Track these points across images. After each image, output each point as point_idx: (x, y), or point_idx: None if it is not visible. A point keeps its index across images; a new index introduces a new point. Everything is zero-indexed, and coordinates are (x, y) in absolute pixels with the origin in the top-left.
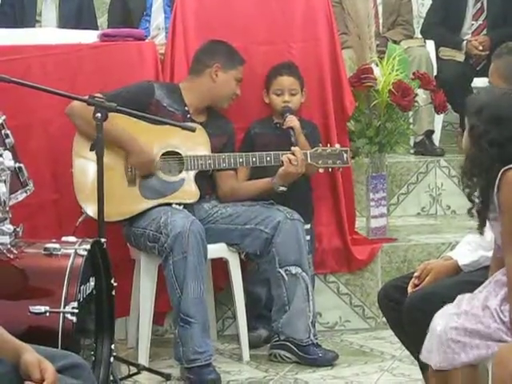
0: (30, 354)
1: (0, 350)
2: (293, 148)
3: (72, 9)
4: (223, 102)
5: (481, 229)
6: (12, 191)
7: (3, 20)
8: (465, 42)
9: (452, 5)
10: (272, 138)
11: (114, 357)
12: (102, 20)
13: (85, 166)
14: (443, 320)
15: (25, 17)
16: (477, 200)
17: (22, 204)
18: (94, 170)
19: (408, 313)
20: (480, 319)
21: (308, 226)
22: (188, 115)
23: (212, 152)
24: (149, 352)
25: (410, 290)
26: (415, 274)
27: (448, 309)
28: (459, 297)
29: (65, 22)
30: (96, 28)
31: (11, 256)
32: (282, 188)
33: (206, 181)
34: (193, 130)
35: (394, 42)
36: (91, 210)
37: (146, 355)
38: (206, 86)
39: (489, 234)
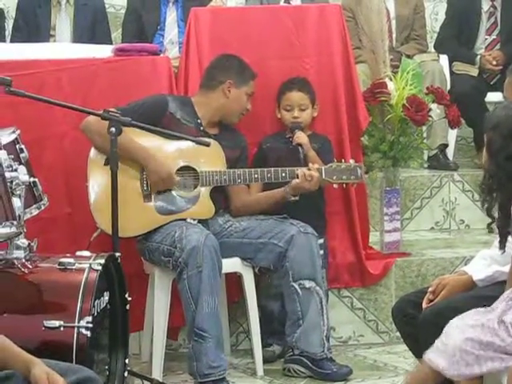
0: (39, 368)
1: (11, 364)
2: (310, 165)
3: (86, 23)
4: (234, 117)
5: (502, 244)
6: (27, 206)
7: (18, 35)
8: (478, 56)
9: (465, 19)
10: (284, 153)
11: (128, 371)
12: (116, 34)
13: (100, 180)
14: (459, 330)
15: (39, 31)
16: (496, 215)
17: (37, 218)
18: (109, 185)
19: (422, 328)
20: (496, 332)
21: (321, 241)
22: (201, 127)
23: (226, 164)
24: (163, 366)
25: (424, 304)
26: (430, 289)
27: (465, 319)
28: (475, 310)
29: (79, 37)
30: (110, 42)
31: (26, 270)
32: (293, 198)
33: (221, 195)
34: (207, 144)
35: (408, 56)
36: (106, 225)
37: (160, 370)
38: (218, 101)
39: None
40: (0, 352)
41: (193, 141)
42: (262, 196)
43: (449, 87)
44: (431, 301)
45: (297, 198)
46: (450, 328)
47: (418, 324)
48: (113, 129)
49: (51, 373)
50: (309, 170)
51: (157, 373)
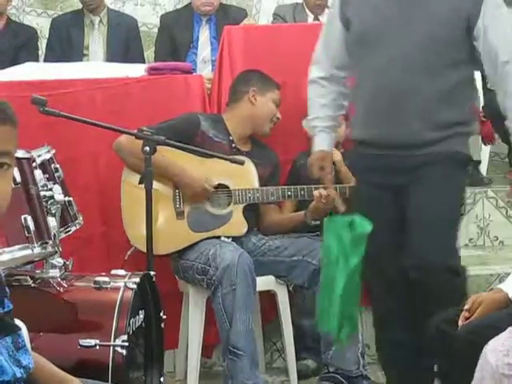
0: None
1: (47, 383)
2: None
3: (119, 42)
4: (265, 125)
5: None
6: (62, 225)
7: (51, 54)
8: None
9: None
10: None
11: None
12: (149, 53)
13: (134, 198)
14: (495, 354)
15: (72, 51)
16: None
17: (72, 237)
18: (142, 203)
19: (458, 345)
20: None
21: None
22: (233, 144)
23: (259, 181)
24: None
25: (460, 322)
26: (465, 307)
27: (499, 341)
28: (510, 328)
29: (112, 56)
30: (143, 61)
31: (61, 289)
32: (314, 222)
33: (254, 214)
34: (242, 163)
35: None
36: (140, 243)
37: None
38: (246, 111)
39: None
40: (36, 371)
41: (227, 159)
42: (286, 218)
43: (482, 103)
44: (467, 318)
45: (318, 222)
46: (487, 352)
47: (454, 342)
48: (147, 148)
49: None
50: (325, 189)
51: None
